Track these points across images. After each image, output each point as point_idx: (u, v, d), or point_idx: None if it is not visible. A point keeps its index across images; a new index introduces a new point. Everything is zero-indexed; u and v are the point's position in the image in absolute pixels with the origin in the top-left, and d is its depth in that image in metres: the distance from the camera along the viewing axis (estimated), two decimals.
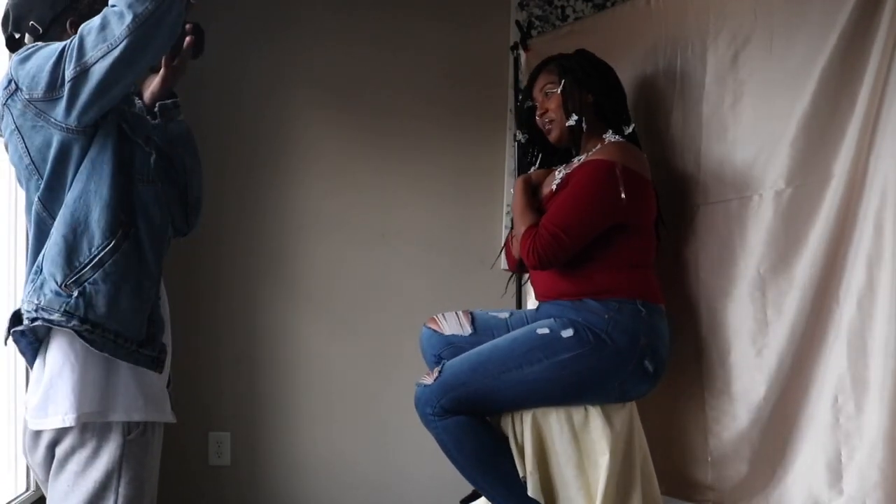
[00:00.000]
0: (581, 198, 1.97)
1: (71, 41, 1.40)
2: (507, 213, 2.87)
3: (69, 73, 1.39)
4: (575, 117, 2.07)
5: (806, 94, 1.84)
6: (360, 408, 2.96)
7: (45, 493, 1.54)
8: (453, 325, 2.16)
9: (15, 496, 2.27)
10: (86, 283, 1.42)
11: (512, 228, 2.18)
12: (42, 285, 1.43)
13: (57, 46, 1.42)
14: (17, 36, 1.55)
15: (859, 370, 1.74)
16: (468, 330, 2.15)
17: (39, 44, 1.48)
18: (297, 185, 2.98)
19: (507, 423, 2.00)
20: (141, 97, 1.64)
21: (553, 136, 2.14)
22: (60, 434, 1.45)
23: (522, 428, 1.97)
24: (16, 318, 1.48)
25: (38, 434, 1.48)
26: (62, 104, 1.41)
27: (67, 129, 1.43)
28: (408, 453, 2.90)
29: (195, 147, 1.68)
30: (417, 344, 2.23)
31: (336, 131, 3.00)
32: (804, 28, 1.86)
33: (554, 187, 2.06)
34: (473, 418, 1.95)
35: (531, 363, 1.92)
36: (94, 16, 1.40)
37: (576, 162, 2.09)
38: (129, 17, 1.35)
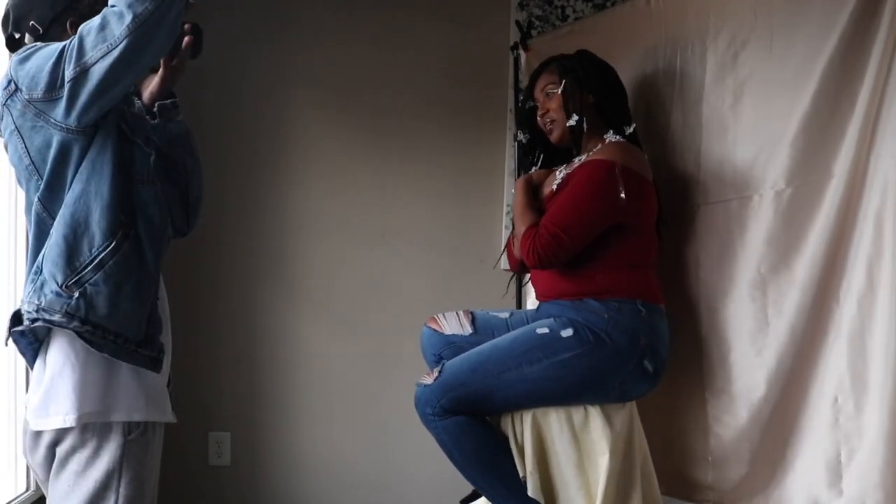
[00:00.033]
0: (581, 198, 1.97)
1: (71, 41, 1.40)
2: (507, 213, 2.87)
3: (69, 73, 1.38)
4: (576, 117, 2.07)
5: (806, 94, 1.84)
6: (360, 408, 2.96)
7: (45, 493, 1.54)
8: (454, 324, 2.16)
9: (15, 496, 2.27)
10: (87, 285, 1.42)
11: (513, 229, 2.18)
12: (42, 286, 1.43)
13: (57, 47, 1.42)
14: (17, 36, 1.54)
15: (859, 370, 1.74)
16: (469, 330, 2.15)
17: (39, 44, 1.47)
18: (297, 185, 2.98)
19: (507, 423, 2.00)
20: (140, 97, 1.64)
21: (554, 137, 2.15)
22: (61, 434, 1.45)
23: (522, 428, 1.97)
24: (16, 318, 1.47)
25: (38, 434, 1.48)
26: (62, 104, 1.41)
27: (67, 129, 1.43)
28: (408, 453, 2.90)
29: (194, 147, 1.68)
30: (417, 344, 2.23)
31: (336, 131, 3.00)
32: (804, 28, 1.86)
33: (554, 187, 2.06)
34: (473, 418, 1.95)
35: (531, 363, 1.92)
36: (94, 16, 1.40)
37: (576, 162, 2.09)
38: (128, 18, 1.35)
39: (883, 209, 1.71)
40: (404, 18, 2.98)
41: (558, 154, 2.24)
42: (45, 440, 1.47)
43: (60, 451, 1.46)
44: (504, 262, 2.44)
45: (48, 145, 1.45)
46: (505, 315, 2.19)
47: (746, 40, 2.01)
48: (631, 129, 2.10)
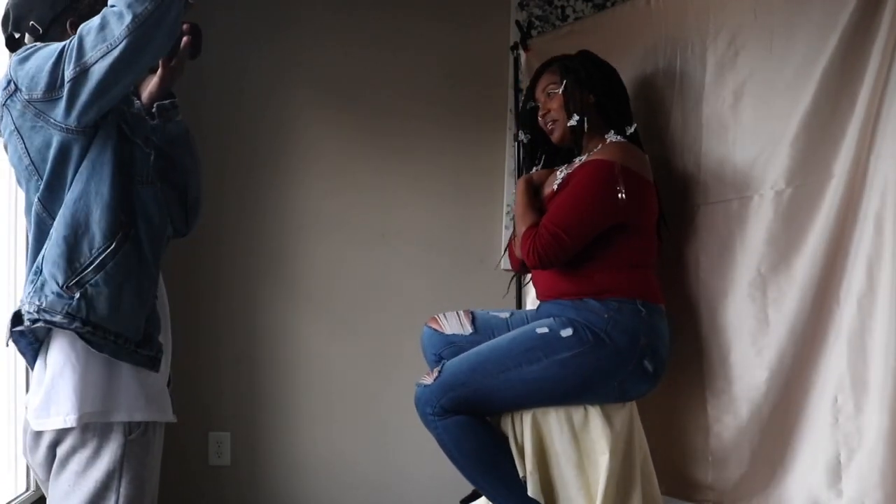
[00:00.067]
0: (581, 198, 1.97)
1: (70, 41, 1.40)
2: (508, 213, 2.87)
3: (69, 73, 1.38)
4: (576, 117, 2.07)
5: (806, 94, 1.84)
6: (360, 408, 2.96)
7: (45, 493, 1.54)
8: (454, 324, 2.17)
9: (15, 496, 2.27)
10: (87, 285, 1.42)
11: (514, 229, 2.18)
12: (43, 286, 1.43)
13: (56, 47, 1.42)
14: (16, 36, 1.54)
15: (859, 370, 1.74)
16: (469, 329, 2.15)
17: (39, 44, 1.47)
18: (297, 185, 2.98)
19: (507, 423, 2.00)
20: (139, 97, 1.64)
21: (555, 137, 2.15)
22: (62, 434, 1.45)
23: (522, 428, 1.97)
24: (16, 318, 1.47)
25: (39, 434, 1.48)
26: (62, 104, 1.41)
27: (67, 129, 1.43)
28: (408, 453, 2.90)
29: (194, 147, 1.68)
30: (417, 344, 2.23)
31: (336, 131, 3.00)
32: (804, 28, 1.86)
33: (555, 187, 2.06)
34: (473, 418, 1.95)
35: (530, 362, 1.92)
36: (94, 16, 1.40)
37: (577, 162, 2.09)
38: (128, 18, 1.35)
39: (883, 209, 1.71)
40: (404, 18, 2.98)
41: (559, 154, 2.24)
42: (46, 440, 1.47)
43: (61, 451, 1.46)
44: (505, 263, 2.45)
45: (48, 145, 1.45)
46: (505, 315, 2.19)
47: (746, 40, 2.01)
48: (632, 130, 2.10)
